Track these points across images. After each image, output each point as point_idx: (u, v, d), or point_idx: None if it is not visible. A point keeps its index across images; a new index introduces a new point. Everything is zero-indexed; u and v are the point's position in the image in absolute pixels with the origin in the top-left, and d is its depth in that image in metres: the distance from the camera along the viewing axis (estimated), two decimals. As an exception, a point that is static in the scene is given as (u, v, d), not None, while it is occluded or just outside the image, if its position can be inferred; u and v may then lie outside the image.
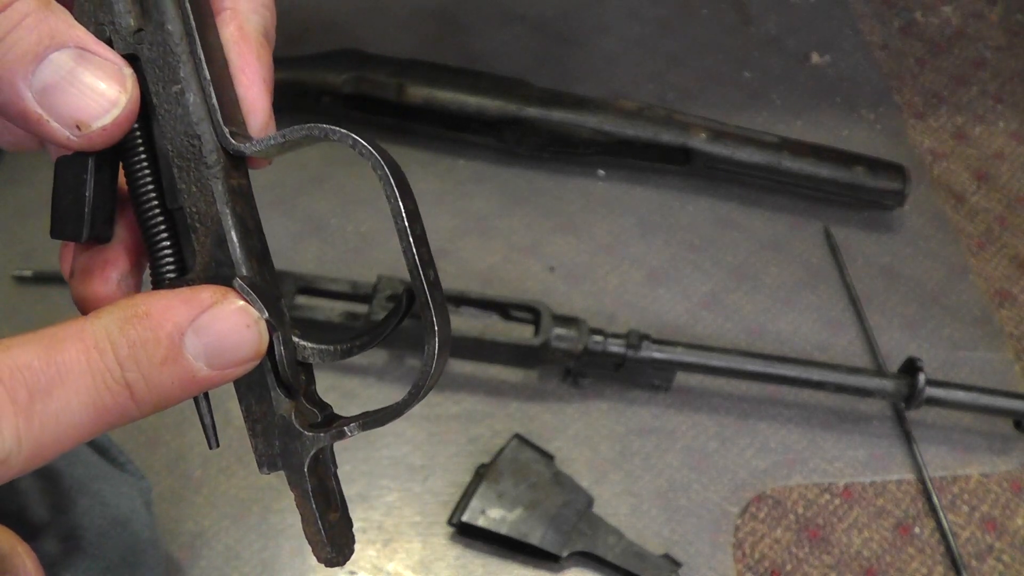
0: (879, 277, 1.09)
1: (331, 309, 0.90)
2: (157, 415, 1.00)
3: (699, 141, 1.09)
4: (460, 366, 0.96)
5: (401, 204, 0.32)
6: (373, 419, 0.34)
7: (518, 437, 0.88)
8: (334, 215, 1.07)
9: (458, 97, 1.09)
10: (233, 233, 0.33)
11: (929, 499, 0.91)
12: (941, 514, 0.90)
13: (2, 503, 0.55)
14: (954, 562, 0.87)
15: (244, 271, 0.33)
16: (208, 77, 0.33)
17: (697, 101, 1.25)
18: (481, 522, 0.82)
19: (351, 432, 0.34)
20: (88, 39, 0.32)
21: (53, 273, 0.99)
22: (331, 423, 0.35)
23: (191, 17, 0.33)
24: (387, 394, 0.93)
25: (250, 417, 0.35)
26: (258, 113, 0.36)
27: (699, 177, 1.15)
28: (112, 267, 0.35)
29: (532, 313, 0.91)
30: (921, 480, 0.92)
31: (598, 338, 0.89)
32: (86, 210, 0.33)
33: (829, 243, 1.11)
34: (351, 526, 0.38)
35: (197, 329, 0.31)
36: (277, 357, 0.33)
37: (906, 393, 0.90)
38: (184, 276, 0.34)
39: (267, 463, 0.35)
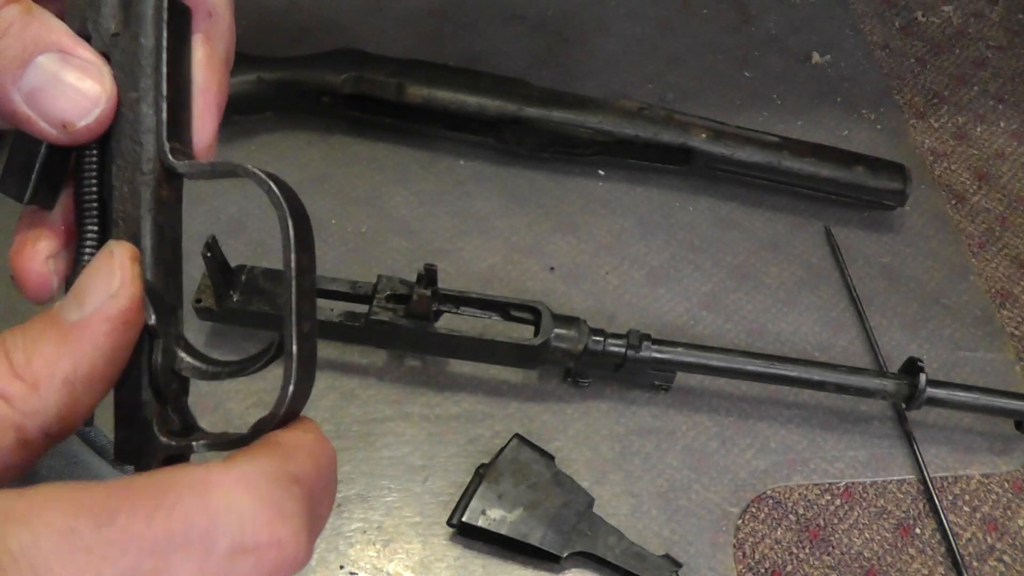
0: (880, 277, 1.08)
1: (331, 309, 0.90)
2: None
3: (699, 141, 1.09)
4: (460, 366, 0.96)
5: (294, 256, 0.33)
6: (217, 442, 0.36)
7: (518, 437, 0.87)
8: (334, 215, 1.07)
9: (458, 97, 1.08)
10: (148, 239, 0.36)
11: (930, 499, 0.91)
12: (942, 515, 0.90)
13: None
14: (955, 563, 0.87)
15: (148, 275, 0.35)
16: (165, 94, 0.35)
17: (697, 101, 1.25)
18: (481, 522, 0.82)
19: (197, 449, 0.36)
20: (68, 41, 0.34)
21: (52, 273, 0.99)
22: (187, 435, 0.38)
23: (165, 36, 0.35)
24: (387, 394, 0.93)
25: (120, 409, 0.37)
26: (205, 135, 0.38)
27: (699, 177, 1.15)
28: (45, 240, 0.38)
29: (532, 313, 0.90)
30: (922, 480, 0.92)
31: (598, 338, 0.89)
32: (33, 172, 0.36)
33: (830, 243, 1.11)
34: None
35: None
36: (153, 362, 0.36)
37: (907, 393, 0.90)
38: None
39: (121, 456, 0.38)
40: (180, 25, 0.36)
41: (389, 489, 0.87)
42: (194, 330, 0.95)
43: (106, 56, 0.35)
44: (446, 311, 0.91)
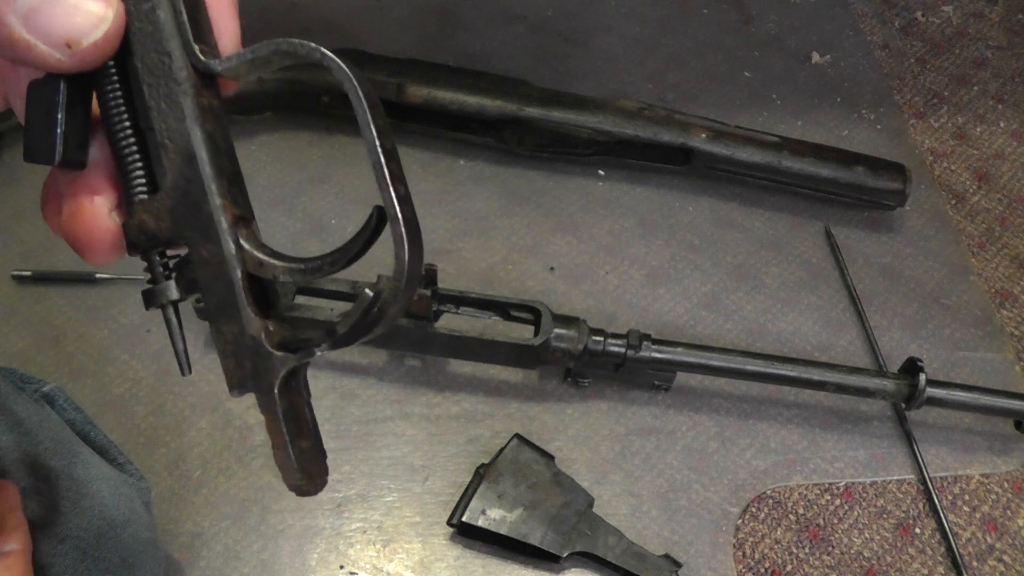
0: (880, 277, 1.08)
1: (331, 309, 0.90)
2: (157, 416, 1.00)
3: (699, 141, 1.09)
4: (460, 366, 0.96)
5: (370, 118, 0.31)
6: (341, 338, 0.33)
7: (518, 437, 0.87)
8: (334, 215, 1.07)
9: (458, 97, 1.08)
10: (203, 151, 0.33)
11: (930, 499, 0.91)
12: (942, 514, 0.90)
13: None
14: (955, 563, 0.87)
15: (213, 187, 0.33)
16: None
17: (697, 101, 1.25)
18: (481, 522, 0.82)
19: (321, 351, 0.34)
20: None
21: (52, 273, 0.99)
22: (301, 343, 0.35)
23: None
24: (387, 394, 0.93)
25: (220, 339, 0.35)
26: (228, 35, 0.36)
27: (699, 177, 1.15)
28: (100, 195, 0.35)
29: (532, 313, 0.90)
30: (922, 480, 0.92)
31: (598, 338, 0.89)
32: (58, 132, 0.33)
33: (829, 243, 1.11)
34: (324, 457, 0.37)
35: None
36: (242, 275, 0.34)
37: (907, 393, 0.90)
38: (155, 195, 0.34)
39: (237, 385, 0.35)
40: None
41: (389, 489, 0.87)
42: (194, 330, 0.95)
43: None
44: (446, 311, 0.91)
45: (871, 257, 1.10)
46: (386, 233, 0.33)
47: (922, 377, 0.88)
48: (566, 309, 1.00)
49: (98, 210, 0.34)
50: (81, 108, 0.34)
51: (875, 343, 1.01)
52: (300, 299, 0.91)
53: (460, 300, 0.91)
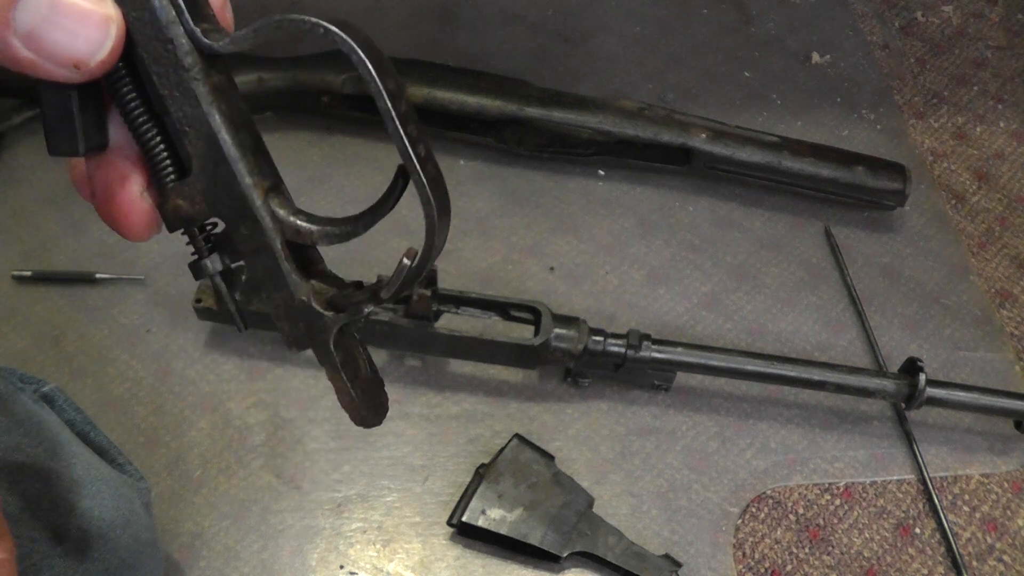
0: (879, 277, 1.08)
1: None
2: (157, 416, 0.99)
3: (699, 141, 1.09)
4: (460, 366, 0.96)
5: (381, 84, 0.31)
6: (386, 294, 0.35)
7: (518, 437, 0.87)
8: (334, 215, 1.07)
9: (458, 97, 1.08)
10: (224, 132, 0.33)
11: (930, 499, 0.91)
12: (942, 514, 0.90)
13: None
14: (955, 562, 0.87)
15: (240, 168, 0.34)
16: None
17: (697, 101, 1.25)
18: (481, 522, 0.82)
19: (369, 310, 0.36)
20: None
21: (52, 273, 0.99)
22: (350, 299, 0.37)
23: None
24: (388, 394, 0.93)
25: (272, 304, 0.37)
26: (224, 11, 0.35)
27: (699, 177, 1.15)
28: (130, 177, 0.35)
29: (532, 313, 0.90)
30: (922, 480, 0.92)
31: (598, 338, 0.89)
32: (77, 124, 0.33)
33: (829, 243, 1.11)
34: (382, 386, 0.41)
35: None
36: (282, 244, 0.35)
37: (907, 393, 0.90)
38: (186, 179, 0.35)
39: (296, 343, 0.37)
40: None
41: (389, 489, 0.87)
42: (194, 330, 0.95)
43: None
44: (446, 311, 0.91)
45: (871, 257, 1.10)
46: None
47: (922, 377, 0.88)
48: (566, 309, 1.00)
49: (129, 194, 0.35)
50: (94, 101, 0.34)
51: (875, 343, 1.01)
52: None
53: (460, 300, 0.91)
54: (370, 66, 0.31)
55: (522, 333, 0.91)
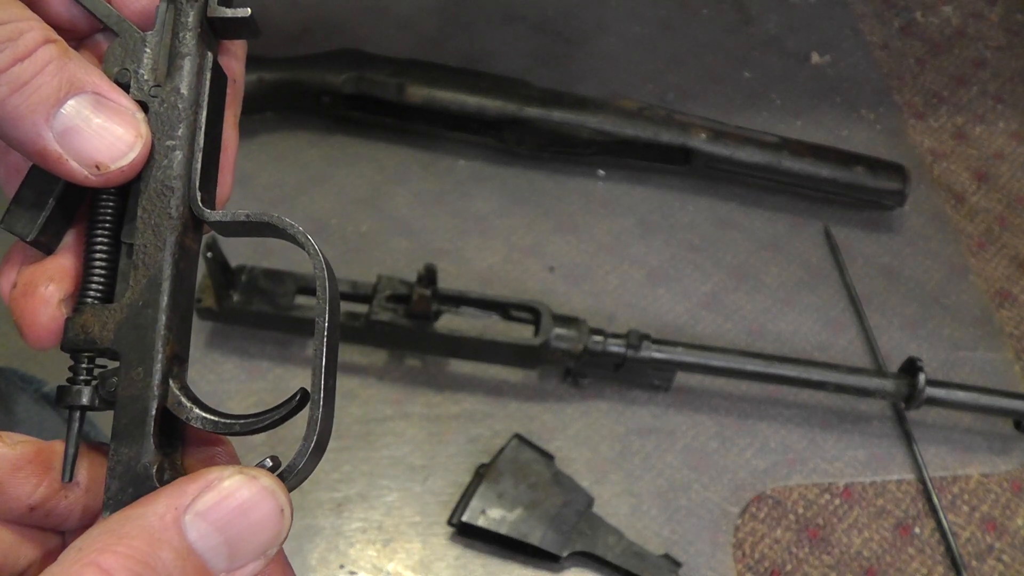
0: (879, 277, 1.08)
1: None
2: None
3: (699, 141, 1.09)
4: (460, 366, 0.96)
5: (327, 315, 0.34)
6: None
7: (518, 437, 0.87)
8: (334, 215, 1.07)
9: (458, 97, 1.08)
10: (168, 283, 0.35)
11: (929, 499, 0.91)
12: (941, 514, 0.90)
13: None
14: (954, 562, 0.87)
15: (164, 319, 0.35)
16: (201, 145, 0.36)
17: (697, 101, 1.25)
18: (481, 522, 0.82)
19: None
20: (104, 85, 0.34)
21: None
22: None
23: (207, 92, 0.36)
24: (387, 394, 0.93)
25: (114, 457, 0.35)
26: (224, 190, 0.39)
27: (699, 177, 1.15)
28: (56, 283, 0.36)
29: (532, 313, 0.91)
30: (921, 480, 0.92)
31: (598, 338, 0.89)
32: (44, 213, 0.35)
33: (829, 243, 1.11)
34: None
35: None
36: (157, 409, 0.35)
37: (906, 393, 0.90)
38: (108, 304, 0.36)
39: (113, 507, 0.35)
40: (220, 87, 0.38)
41: (389, 489, 0.87)
42: (195, 330, 0.95)
43: (143, 105, 0.36)
44: (446, 311, 0.91)
45: (871, 257, 1.10)
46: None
47: (921, 377, 0.88)
48: (566, 309, 1.00)
49: (49, 297, 0.36)
50: (72, 202, 0.37)
51: (874, 343, 1.01)
52: (300, 299, 0.91)
53: (460, 300, 0.91)
54: (327, 292, 0.34)
55: (522, 333, 0.91)
